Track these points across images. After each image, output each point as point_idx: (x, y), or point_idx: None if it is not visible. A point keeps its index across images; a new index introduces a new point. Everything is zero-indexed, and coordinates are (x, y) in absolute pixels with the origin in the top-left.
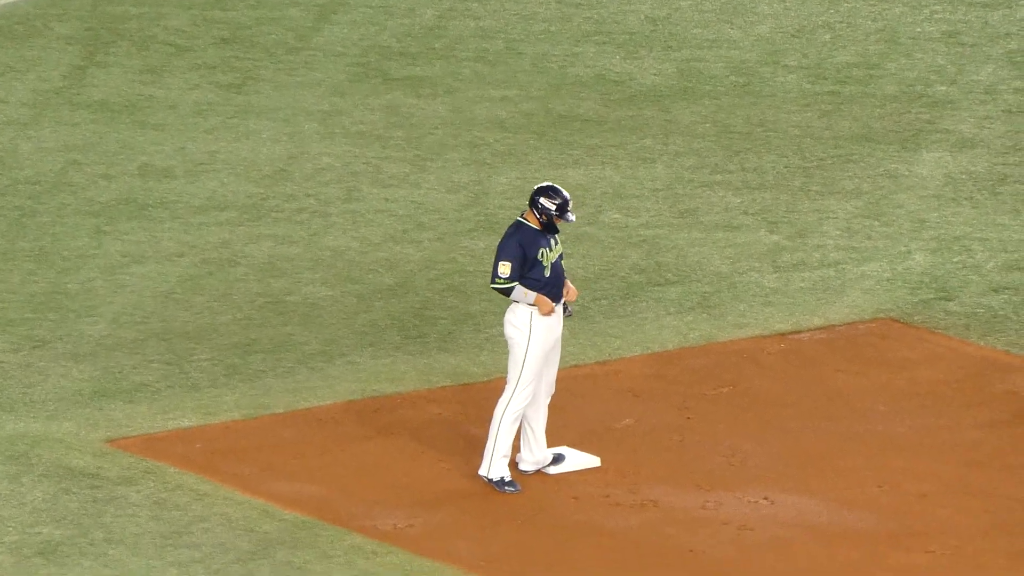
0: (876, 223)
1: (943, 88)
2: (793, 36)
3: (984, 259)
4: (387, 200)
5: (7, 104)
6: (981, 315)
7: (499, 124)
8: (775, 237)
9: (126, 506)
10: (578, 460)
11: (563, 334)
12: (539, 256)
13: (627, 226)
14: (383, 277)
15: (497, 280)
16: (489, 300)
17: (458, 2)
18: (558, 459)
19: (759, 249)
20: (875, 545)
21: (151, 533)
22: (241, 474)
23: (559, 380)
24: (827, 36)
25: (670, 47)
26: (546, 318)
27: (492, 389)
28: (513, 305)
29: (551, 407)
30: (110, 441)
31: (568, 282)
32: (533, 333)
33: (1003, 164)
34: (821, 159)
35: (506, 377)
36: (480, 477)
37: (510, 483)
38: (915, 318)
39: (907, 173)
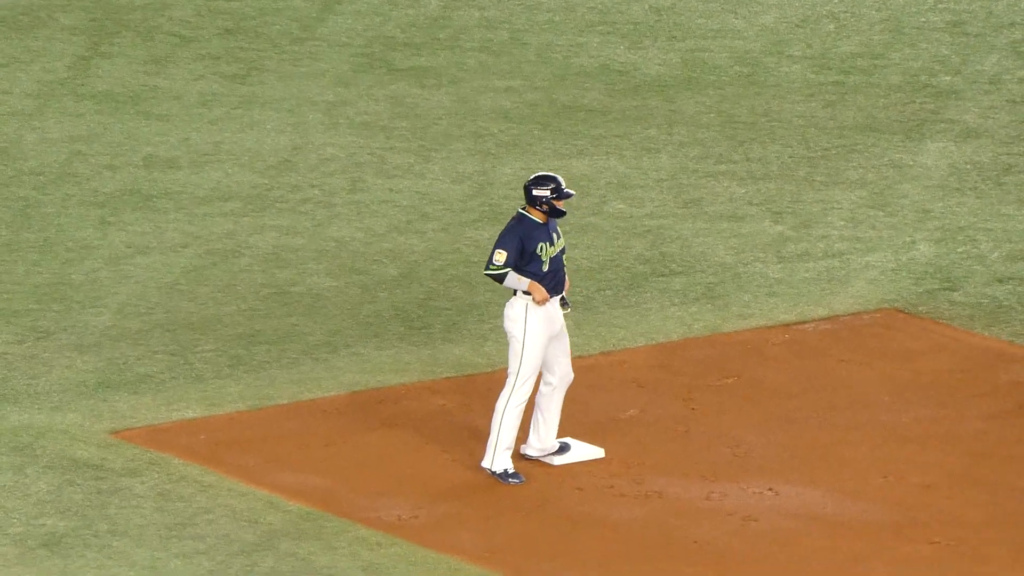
0: (880, 213)
1: (947, 78)
2: (797, 26)
3: (988, 249)
4: (391, 191)
5: (12, 95)
6: (985, 305)
7: (503, 114)
8: (779, 227)
9: (130, 497)
10: (582, 451)
11: (568, 324)
12: (538, 250)
13: (631, 216)
14: (387, 268)
15: (491, 267)
16: (493, 291)
17: None
18: (563, 448)
19: (763, 239)
20: (880, 536)
21: (155, 524)
22: (245, 465)
23: None
24: (831, 26)
25: (674, 37)
26: (542, 311)
27: (496, 380)
28: (511, 299)
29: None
30: (114, 432)
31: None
32: (529, 326)
33: (1008, 154)
34: (825, 149)
35: (507, 370)
36: (483, 469)
37: (514, 475)
38: (920, 308)
39: (911, 163)
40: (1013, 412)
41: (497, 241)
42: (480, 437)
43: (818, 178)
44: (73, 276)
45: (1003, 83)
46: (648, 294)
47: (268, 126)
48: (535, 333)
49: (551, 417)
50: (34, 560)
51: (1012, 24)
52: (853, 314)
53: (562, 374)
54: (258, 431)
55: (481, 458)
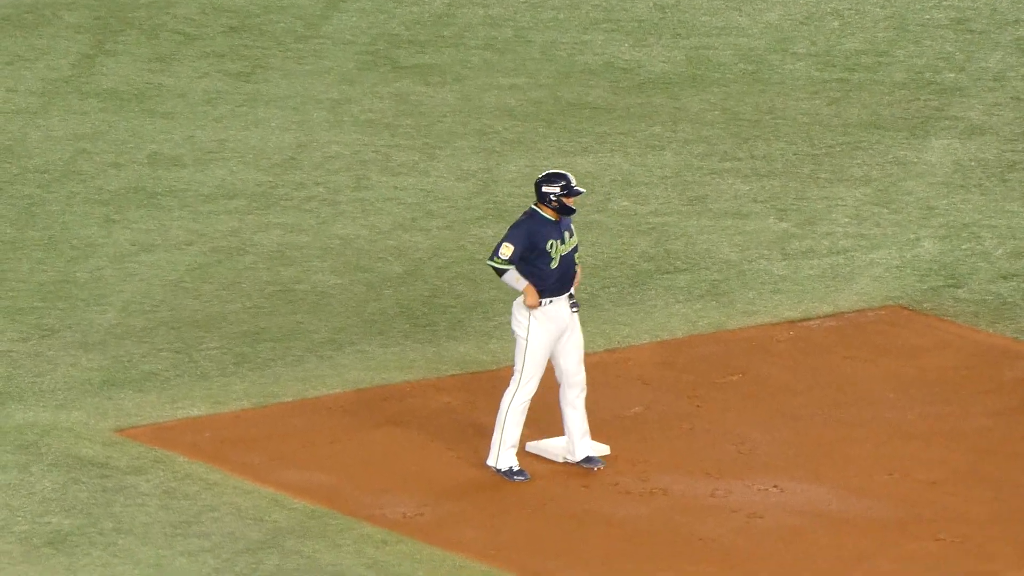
0: (885, 210)
1: (952, 75)
2: (802, 23)
3: (993, 246)
4: (396, 188)
5: (16, 93)
6: (990, 302)
7: (508, 112)
8: (784, 224)
9: (135, 495)
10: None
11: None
12: (548, 247)
13: (636, 214)
14: (392, 265)
15: (496, 259)
16: (498, 288)
17: None
18: (590, 460)
19: (768, 237)
20: (884, 533)
21: (160, 523)
22: (250, 463)
23: None
24: (836, 23)
25: (679, 34)
26: (547, 311)
27: (501, 378)
28: (519, 298)
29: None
30: (119, 430)
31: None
32: (532, 326)
33: (1012, 151)
34: (830, 146)
35: (512, 368)
36: (488, 467)
37: (519, 472)
38: (924, 305)
39: (916, 160)
40: (1018, 409)
41: (506, 234)
42: (485, 435)
43: (822, 175)
44: (78, 274)
45: (1007, 80)
46: (653, 291)
47: (273, 124)
48: (538, 333)
49: (569, 423)
50: (39, 558)
51: (1017, 21)
52: (858, 311)
53: (567, 372)
54: (263, 429)
55: (486, 456)
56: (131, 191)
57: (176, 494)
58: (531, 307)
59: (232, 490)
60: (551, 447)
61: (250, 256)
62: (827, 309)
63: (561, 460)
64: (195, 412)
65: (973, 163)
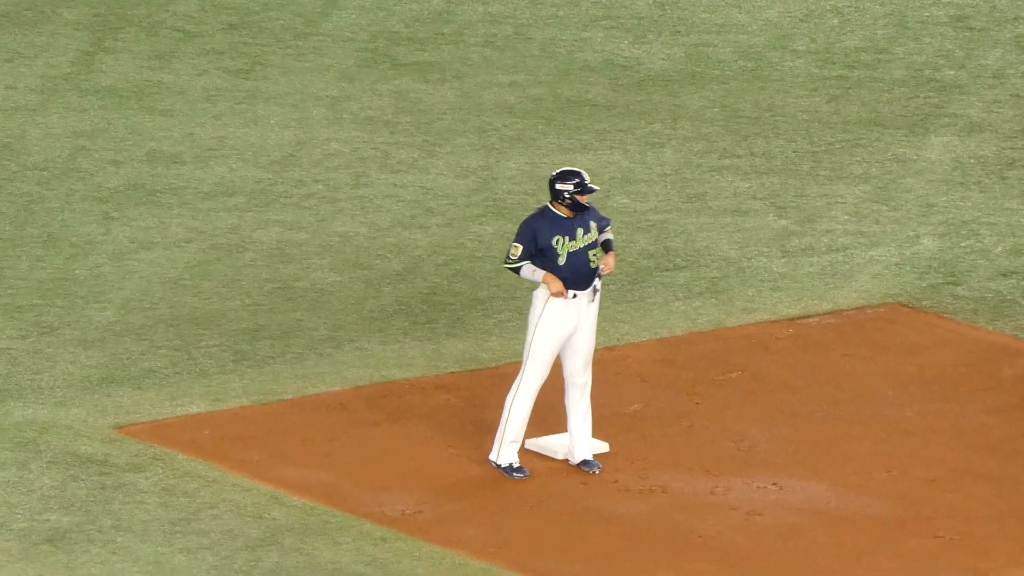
0: (884, 208)
1: (951, 72)
2: (801, 20)
3: (992, 243)
4: (395, 185)
5: (15, 90)
6: (989, 300)
7: (508, 109)
8: (783, 222)
9: (134, 493)
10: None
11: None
12: (553, 243)
13: (635, 211)
14: (391, 263)
15: (508, 260)
16: (497, 286)
17: None
18: (587, 464)
19: (767, 234)
20: (884, 530)
21: (159, 520)
22: (250, 460)
23: None
24: (835, 20)
25: (678, 32)
26: (560, 306)
27: (501, 375)
28: (538, 288)
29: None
30: (118, 428)
31: (608, 257)
32: (541, 319)
33: (1011, 148)
34: (829, 144)
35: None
36: (489, 462)
37: (518, 469)
38: (923, 303)
39: (915, 157)
40: (1017, 406)
41: (516, 234)
42: (484, 432)
43: (822, 172)
44: (77, 271)
45: (1007, 77)
46: (652, 288)
47: (272, 121)
48: (546, 326)
49: (571, 421)
50: (38, 556)
51: (1016, 18)
52: (857, 308)
53: (572, 372)
54: (262, 426)
55: (487, 453)
56: (130, 188)
57: (175, 491)
58: (555, 295)
59: (231, 487)
60: (552, 444)
61: (249, 253)
62: (826, 306)
63: (561, 458)
64: (194, 409)
65: (972, 160)
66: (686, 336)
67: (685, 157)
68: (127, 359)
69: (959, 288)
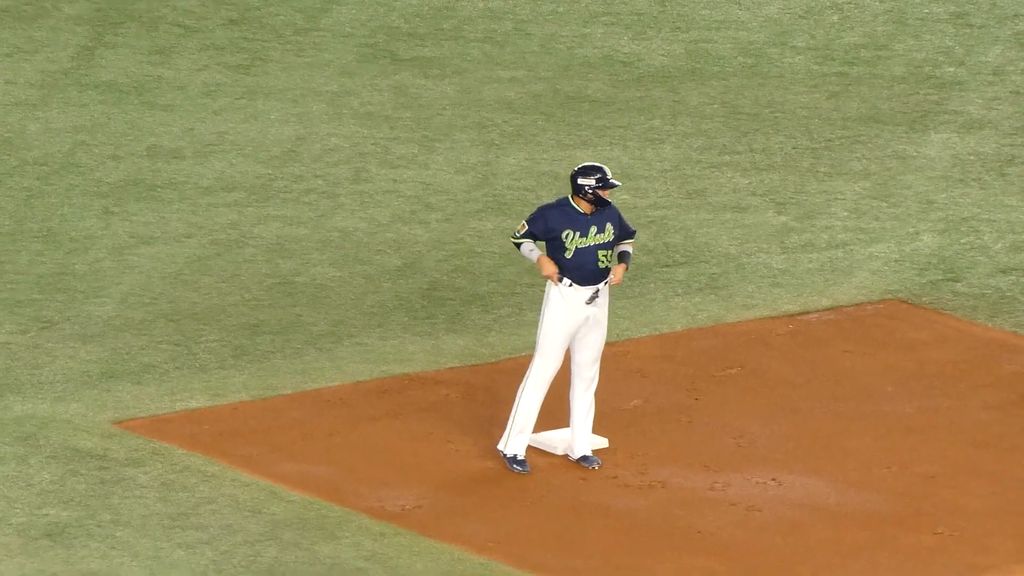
0: (884, 204)
1: (951, 69)
2: (801, 17)
3: (992, 240)
4: (395, 181)
5: (15, 85)
6: (989, 296)
7: (507, 105)
8: (783, 218)
9: (134, 487)
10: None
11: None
12: (563, 236)
13: (635, 207)
14: (391, 258)
15: (513, 236)
16: (497, 281)
17: None
18: (586, 460)
19: (767, 230)
20: (883, 526)
21: (159, 515)
22: (249, 455)
23: None
24: (835, 17)
25: (678, 28)
26: (565, 301)
27: (501, 370)
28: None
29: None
30: (118, 422)
31: (618, 268)
32: (548, 309)
33: (1011, 145)
34: (829, 140)
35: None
36: (497, 451)
37: (520, 462)
38: (923, 299)
39: (915, 154)
40: (1016, 402)
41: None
42: (484, 427)
43: (822, 169)
44: (77, 266)
45: (1006, 74)
46: (652, 284)
47: (272, 116)
48: (551, 317)
49: (574, 415)
50: (37, 550)
51: (1016, 15)
52: (856, 305)
53: (579, 365)
54: (262, 421)
55: (486, 448)
56: (130, 183)
57: (174, 486)
58: (546, 277)
59: (230, 482)
60: (552, 440)
61: (249, 249)
62: (826, 303)
63: (561, 453)
64: (193, 404)
65: (972, 157)
66: (686, 332)
67: (685, 153)
68: (126, 354)
69: (959, 285)
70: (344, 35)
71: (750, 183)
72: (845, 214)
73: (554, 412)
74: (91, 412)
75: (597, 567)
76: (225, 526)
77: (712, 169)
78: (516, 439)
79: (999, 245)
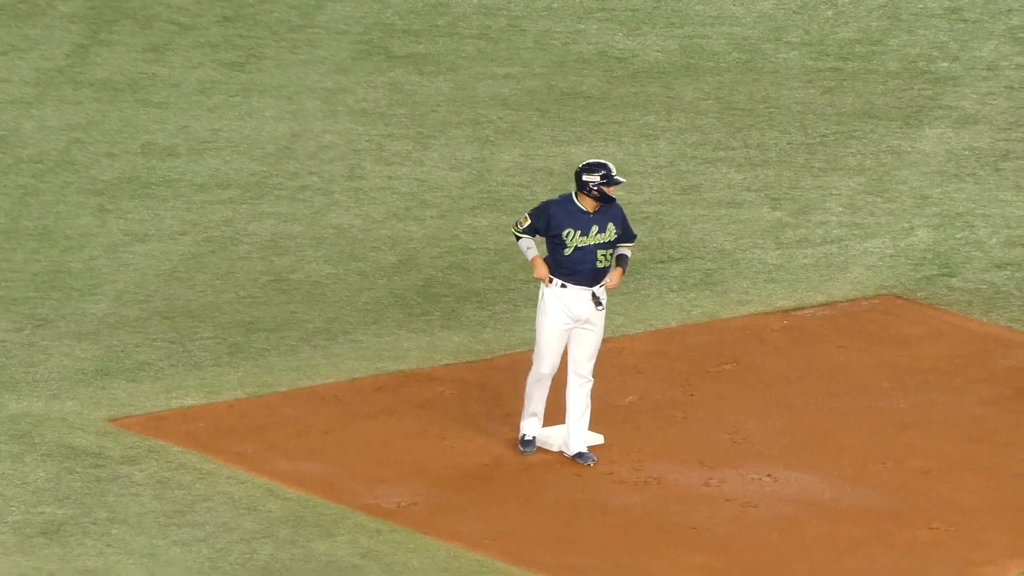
0: (879, 199)
1: (945, 64)
2: (795, 12)
3: (987, 235)
4: (390, 178)
5: (10, 83)
6: (984, 291)
7: (502, 101)
8: (778, 214)
9: (129, 485)
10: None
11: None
12: (564, 234)
13: (630, 203)
14: (386, 255)
15: (514, 227)
16: (492, 277)
17: None
18: (581, 456)
19: (762, 226)
20: (878, 522)
21: (154, 512)
22: (244, 453)
23: None
24: (829, 12)
25: (673, 24)
26: (559, 293)
27: (496, 367)
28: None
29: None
30: (113, 420)
31: (615, 272)
32: (541, 307)
33: (1005, 140)
34: (824, 135)
35: None
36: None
37: (526, 444)
38: (918, 294)
39: (910, 149)
40: (1011, 397)
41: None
42: (480, 423)
43: (816, 164)
44: (72, 264)
45: (1001, 69)
46: (647, 280)
47: (266, 114)
48: (545, 314)
49: (569, 411)
50: (33, 548)
51: (1010, 10)
52: (851, 300)
53: (574, 361)
54: (257, 418)
55: (481, 445)
56: (125, 181)
57: (170, 484)
58: (536, 278)
59: (226, 480)
60: (549, 436)
61: (244, 246)
62: (821, 298)
63: (556, 450)
64: (189, 402)
65: (967, 152)
66: (680, 328)
67: (679, 149)
68: (122, 351)
69: (953, 280)
70: (338, 32)
71: (745, 179)
72: (840, 209)
73: (550, 409)
74: (86, 410)
75: (593, 564)
76: (221, 523)
77: (707, 165)
78: (527, 421)
79: (994, 240)
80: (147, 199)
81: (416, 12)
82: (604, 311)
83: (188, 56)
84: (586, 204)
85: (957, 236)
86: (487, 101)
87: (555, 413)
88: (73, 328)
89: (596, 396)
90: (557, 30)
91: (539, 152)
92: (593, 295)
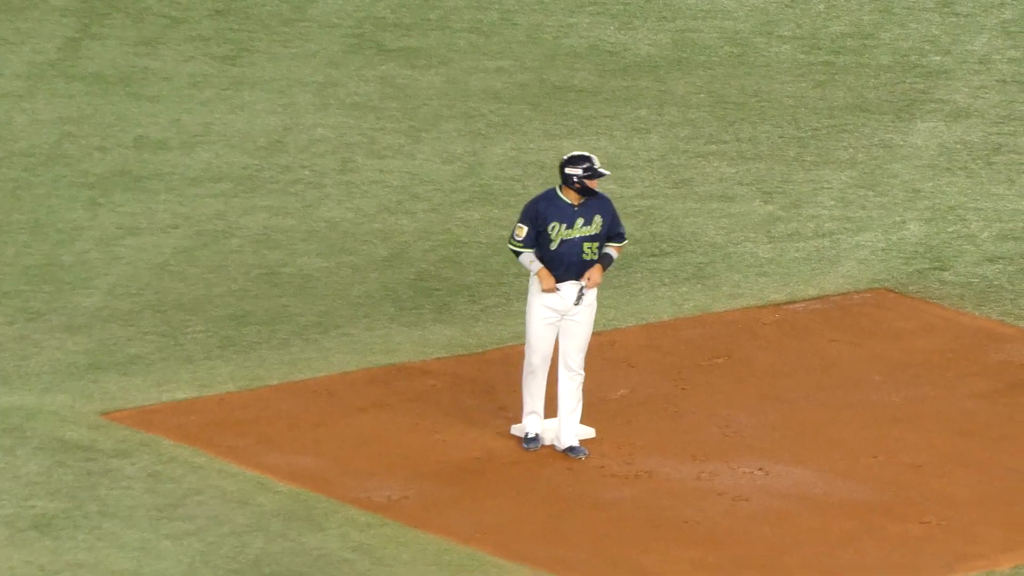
0: (871, 193)
1: (937, 58)
2: (787, 6)
3: (979, 229)
4: (382, 171)
5: (2, 76)
6: (976, 285)
7: (494, 95)
8: (770, 207)
9: (121, 479)
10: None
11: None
12: (549, 229)
13: (622, 196)
14: (378, 248)
15: (512, 242)
16: (484, 271)
17: None
18: (573, 450)
19: (754, 219)
20: (870, 516)
21: (145, 506)
22: (236, 446)
23: None
24: (821, 6)
25: (664, 17)
26: (544, 293)
27: (487, 360)
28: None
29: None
30: (105, 414)
31: (594, 269)
32: (530, 300)
33: (997, 134)
34: (815, 129)
35: None
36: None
37: (528, 440)
38: (910, 288)
39: (901, 143)
40: (1003, 391)
41: (520, 215)
42: (471, 417)
43: (808, 158)
44: (64, 257)
45: (993, 63)
46: (638, 274)
47: (258, 107)
48: (533, 308)
49: (559, 406)
50: (24, 542)
51: (1002, 4)
52: (843, 294)
53: (564, 353)
54: (248, 412)
55: (472, 439)
56: (117, 174)
57: (161, 477)
58: (545, 291)
59: (217, 473)
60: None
61: (236, 239)
62: (812, 292)
63: (548, 443)
64: (180, 395)
65: (959, 146)
66: (672, 321)
67: (671, 143)
68: (113, 345)
69: (945, 273)
70: (330, 25)
71: (736, 172)
72: (832, 203)
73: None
74: (78, 403)
75: (584, 557)
76: (212, 517)
77: (699, 158)
78: (527, 419)
79: (986, 234)
80: (139, 192)
81: (407, 6)
82: (595, 304)
83: (180, 50)
84: (570, 197)
85: (949, 230)
86: (479, 95)
87: (547, 407)
88: (65, 321)
89: (587, 390)
90: (549, 24)
91: (531, 146)
92: (580, 291)
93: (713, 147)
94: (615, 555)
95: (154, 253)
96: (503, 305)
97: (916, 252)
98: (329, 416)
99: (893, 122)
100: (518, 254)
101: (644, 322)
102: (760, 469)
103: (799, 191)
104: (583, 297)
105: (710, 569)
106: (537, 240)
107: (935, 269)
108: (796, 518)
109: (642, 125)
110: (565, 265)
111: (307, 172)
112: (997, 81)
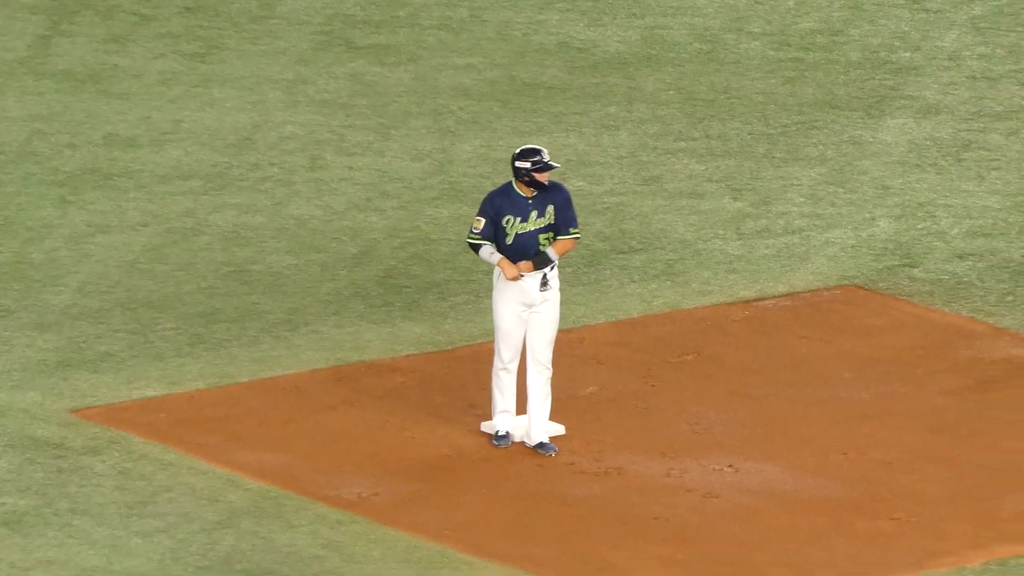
0: (840, 190)
1: (907, 54)
2: (757, 3)
3: (948, 225)
4: (351, 168)
5: None
6: (946, 281)
7: (463, 92)
8: (739, 204)
9: (91, 476)
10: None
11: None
12: (504, 222)
13: (591, 193)
14: (347, 246)
15: (470, 235)
16: (453, 268)
17: None
18: (543, 447)
19: (723, 216)
20: (840, 512)
21: (116, 503)
22: (206, 444)
23: None
24: (791, 2)
25: (634, 14)
26: (508, 286)
27: (457, 357)
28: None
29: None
30: (75, 411)
31: (525, 263)
32: (496, 293)
33: (967, 130)
34: (785, 126)
35: None
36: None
37: (498, 438)
38: (880, 285)
39: (871, 140)
40: (973, 388)
41: (478, 209)
42: (441, 414)
43: (777, 155)
44: (33, 255)
45: (962, 59)
46: (608, 271)
47: (228, 104)
48: (499, 302)
49: (528, 402)
50: None
51: (971, 0)
52: (813, 291)
53: (532, 348)
54: (218, 409)
55: (442, 436)
56: (86, 172)
57: (131, 475)
58: (509, 279)
59: (187, 471)
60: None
61: (205, 237)
62: (782, 288)
63: (517, 440)
64: (150, 393)
65: (928, 142)
66: (642, 318)
67: (640, 140)
68: (83, 343)
69: (915, 270)
70: (299, 23)
71: (706, 169)
72: (801, 200)
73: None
74: (48, 401)
75: (554, 554)
76: (182, 514)
77: (668, 155)
78: (497, 417)
79: (956, 230)
80: (109, 190)
81: (376, 3)
82: (558, 296)
83: (149, 47)
84: (524, 190)
85: (919, 226)
86: (448, 92)
87: (517, 405)
88: (35, 319)
89: (556, 386)
90: (518, 20)
91: (500, 142)
92: (544, 277)
93: (682, 144)
94: (584, 552)
95: (124, 251)
96: (472, 302)
97: (886, 249)
98: (299, 413)
99: (863, 119)
100: (477, 248)
101: (613, 319)
102: (730, 466)
103: (769, 188)
104: (548, 283)
105: (679, 566)
106: (495, 233)
107: (905, 266)
108: (765, 515)
109: (611, 122)
110: (522, 258)
111: (276, 169)
112: (967, 77)
